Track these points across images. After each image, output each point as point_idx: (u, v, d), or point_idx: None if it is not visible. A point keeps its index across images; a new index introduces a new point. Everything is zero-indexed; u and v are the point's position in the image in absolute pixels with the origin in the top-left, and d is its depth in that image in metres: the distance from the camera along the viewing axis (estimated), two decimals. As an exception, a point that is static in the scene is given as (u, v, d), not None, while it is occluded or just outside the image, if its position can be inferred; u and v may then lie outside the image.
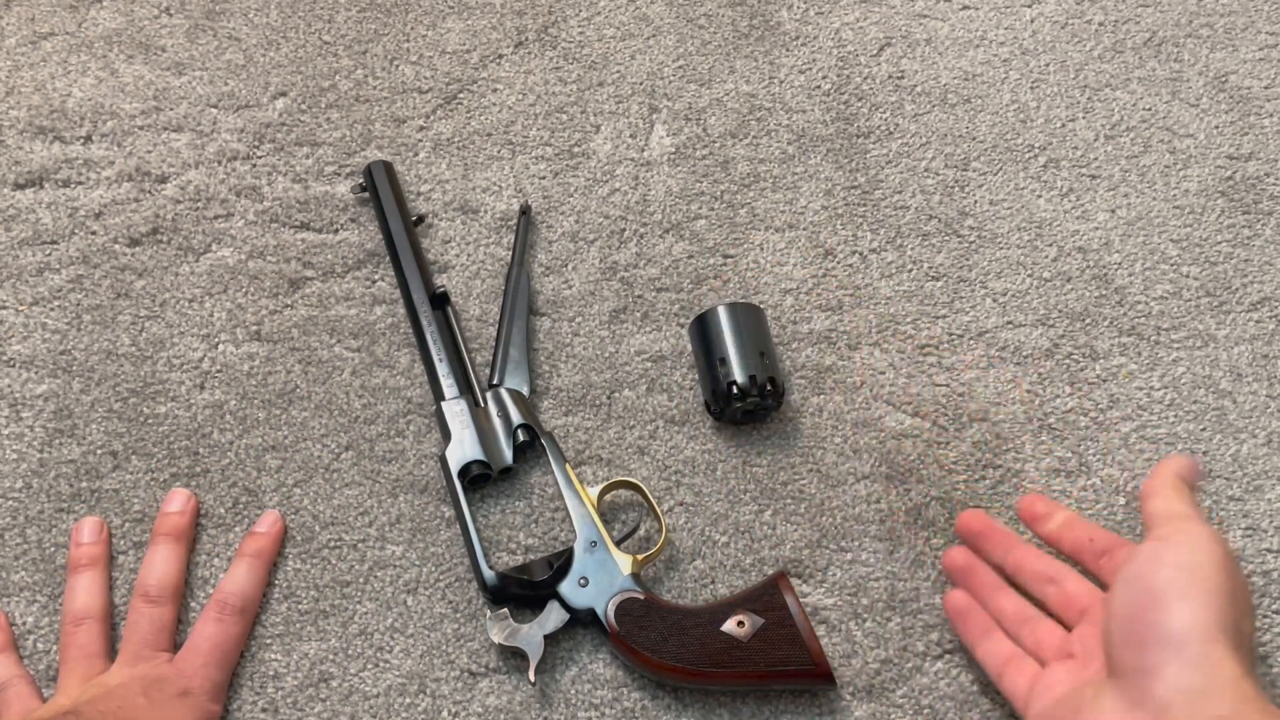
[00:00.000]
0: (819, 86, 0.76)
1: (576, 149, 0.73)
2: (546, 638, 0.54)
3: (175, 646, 0.56)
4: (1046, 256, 0.68)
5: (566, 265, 0.69)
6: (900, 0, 0.80)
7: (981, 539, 0.56)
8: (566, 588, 0.55)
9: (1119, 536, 0.52)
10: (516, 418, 0.61)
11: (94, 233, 0.69)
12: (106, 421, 0.63)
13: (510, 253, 0.69)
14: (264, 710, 0.55)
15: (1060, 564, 0.53)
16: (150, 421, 0.63)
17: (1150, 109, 0.74)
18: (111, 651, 0.56)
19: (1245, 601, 0.44)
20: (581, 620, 0.56)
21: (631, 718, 0.54)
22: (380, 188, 0.68)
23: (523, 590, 0.56)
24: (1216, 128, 0.73)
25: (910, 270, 0.68)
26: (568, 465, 0.59)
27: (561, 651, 0.56)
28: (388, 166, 0.70)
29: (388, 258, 0.68)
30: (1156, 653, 0.42)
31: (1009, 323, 0.66)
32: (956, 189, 0.71)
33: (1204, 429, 0.62)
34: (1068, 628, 0.51)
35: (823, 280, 0.68)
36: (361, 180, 0.70)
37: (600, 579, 0.55)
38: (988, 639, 0.53)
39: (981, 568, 0.55)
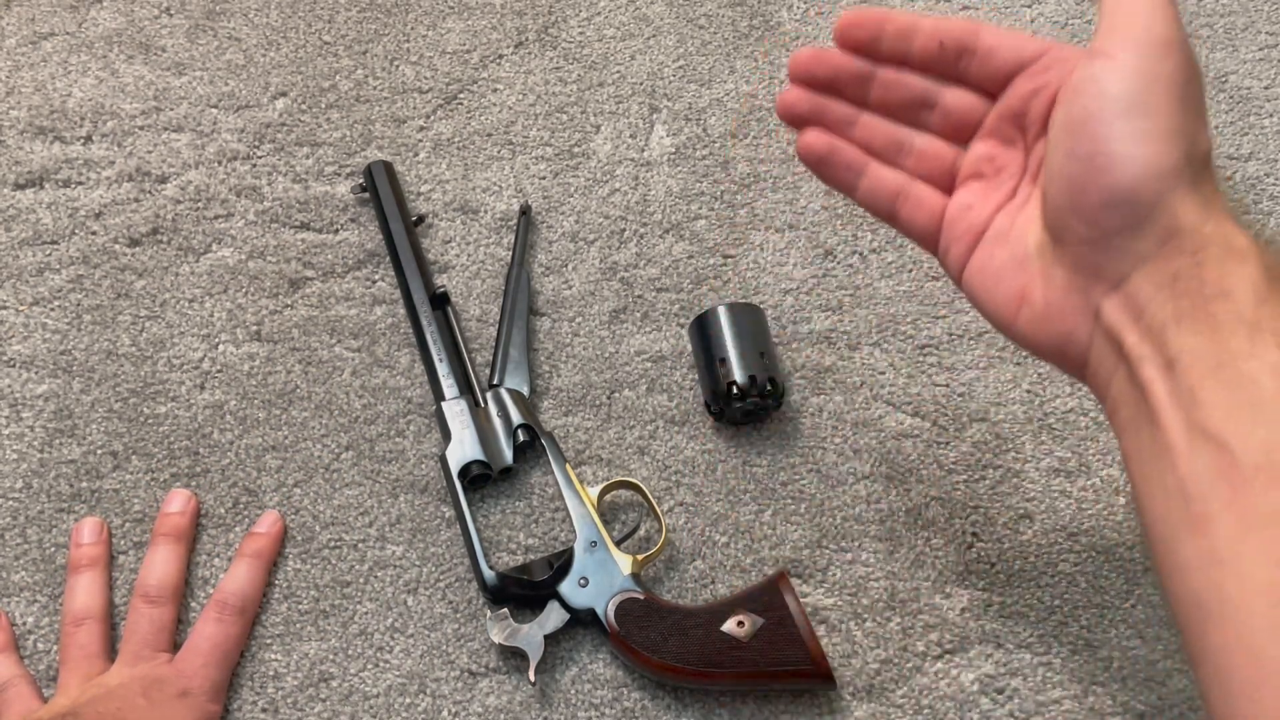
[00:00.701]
0: (819, 86, 0.76)
1: (576, 149, 0.73)
2: (546, 638, 0.54)
3: (175, 647, 0.56)
4: (1046, 256, 0.68)
5: (566, 265, 0.69)
6: (900, 0, 0.80)
7: (823, 81, 0.45)
8: (566, 588, 0.55)
9: (970, 22, 0.43)
10: (516, 418, 0.61)
11: (94, 233, 0.69)
12: (106, 421, 0.63)
13: (510, 253, 0.69)
14: (264, 710, 0.55)
15: (928, 82, 0.44)
16: (150, 421, 0.63)
17: (1150, 109, 0.74)
18: (112, 652, 0.56)
19: (1201, 104, 0.37)
20: (581, 620, 0.56)
21: (631, 718, 0.54)
22: (380, 188, 0.68)
23: (523, 590, 0.56)
24: (1216, 128, 0.73)
25: (910, 270, 0.68)
26: (568, 465, 0.59)
27: (561, 651, 0.56)
28: (388, 166, 0.70)
29: (388, 258, 0.68)
30: (1103, 221, 0.36)
31: (1009, 323, 0.66)
32: (956, 189, 0.71)
33: (1204, 429, 0.62)
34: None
35: (823, 280, 0.68)
36: (361, 180, 0.70)
37: (600, 579, 0.55)
38: (865, 175, 0.45)
39: (832, 104, 0.45)
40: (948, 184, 0.45)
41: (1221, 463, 0.32)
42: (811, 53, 0.45)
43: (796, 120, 0.46)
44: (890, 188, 0.45)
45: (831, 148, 0.45)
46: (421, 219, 0.69)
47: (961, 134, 0.44)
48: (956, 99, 0.44)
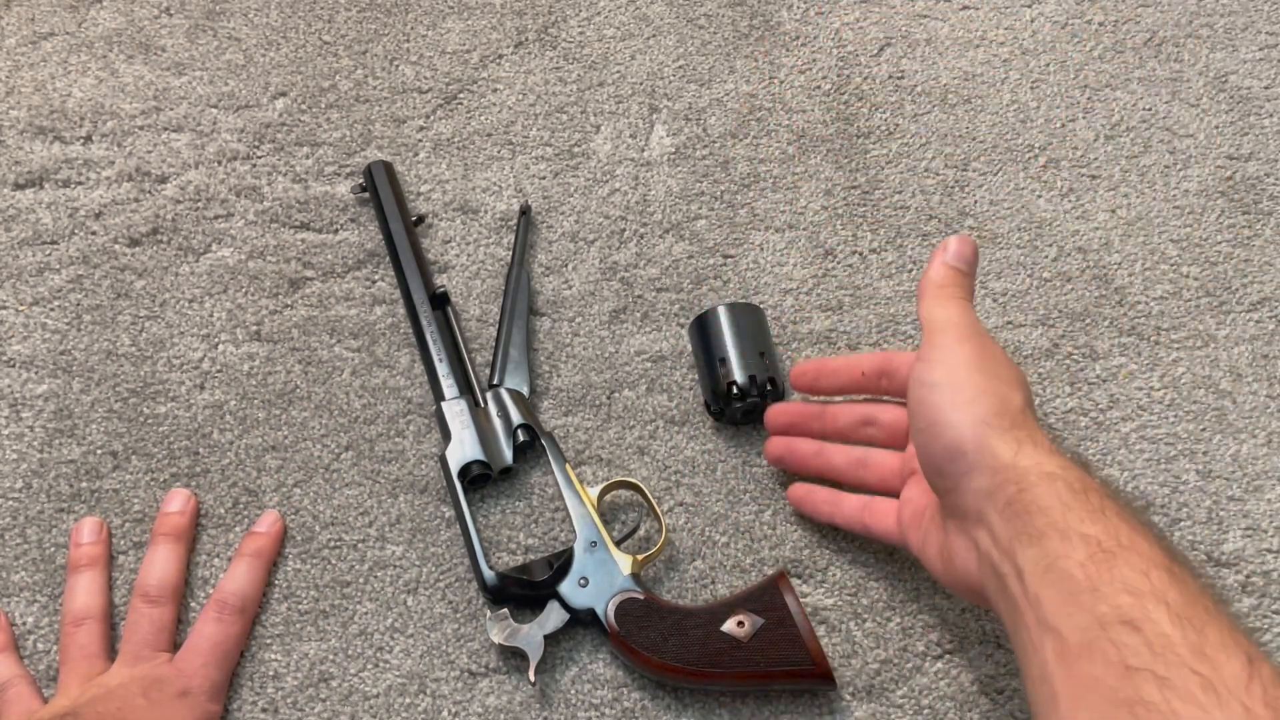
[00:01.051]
0: (819, 86, 0.76)
1: (576, 149, 0.73)
2: (546, 638, 0.54)
3: (175, 646, 0.56)
4: (1046, 256, 0.68)
5: (566, 265, 0.69)
6: (900, 0, 0.80)
7: (792, 427, 0.59)
8: (566, 588, 0.55)
9: (882, 353, 0.58)
10: (516, 418, 0.61)
11: (94, 233, 0.69)
12: (106, 421, 0.63)
13: (510, 253, 0.69)
14: (264, 710, 0.55)
15: (867, 405, 0.58)
16: (150, 421, 0.63)
17: (1150, 109, 0.74)
18: (112, 651, 0.56)
19: (1007, 373, 0.47)
20: (581, 620, 0.56)
21: (631, 718, 0.54)
22: (380, 188, 0.68)
23: (523, 590, 0.56)
24: (1216, 128, 0.73)
25: (910, 270, 0.68)
26: (568, 465, 0.59)
27: (561, 651, 0.56)
28: (388, 166, 0.70)
29: (387, 258, 0.68)
30: (951, 472, 0.46)
31: (1009, 323, 0.66)
32: (956, 189, 0.71)
33: (1204, 429, 0.62)
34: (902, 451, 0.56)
35: (823, 280, 0.68)
36: (361, 180, 0.70)
37: (600, 579, 0.55)
38: (838, 506, 0.57)
39: (800, 443, 0.59)
40: (901, 484, 0.54)
41: (1058, 646, 0.39)
42: (780, 408, 0.60)
43: (778, 461, 0.60)
44: (857, 507, 0.56)
45: (809, 491, 0.58)
46: (421, 219, 0.69)
47: (900, 440, 0.56)
48: (889, 413, 0.56)
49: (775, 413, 0.60)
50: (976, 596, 0.47)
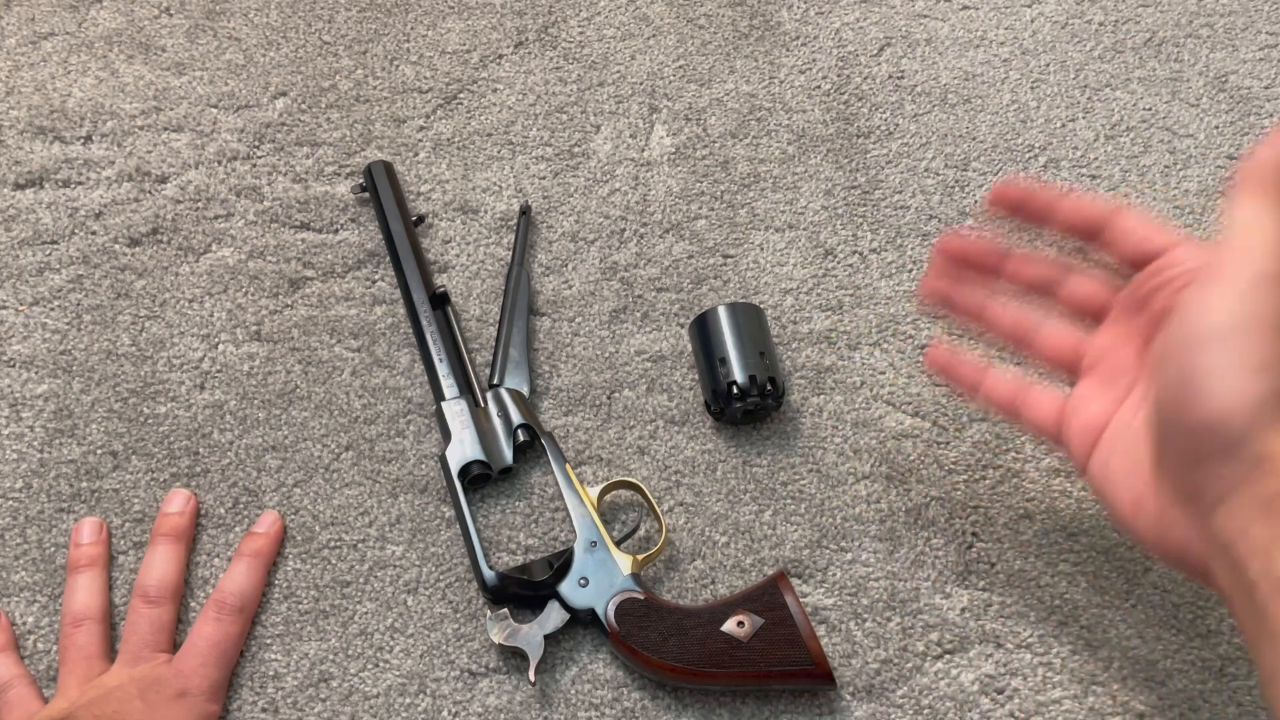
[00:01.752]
0: (819, 86, 0.76)
1: (576, 149, 0.73)
2: (546, 638, 0.54)
3: (175, 647, 0.56)
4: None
5: (566, 265, 0.69)
6: (900, 0, 0.80)
7: (965, 261, 0.51)
8: (566, 588, 0.55)
9: (1109, 205, 0.46)
10: (516, 418, 0.61)
11: (94, 233, 0.69)
12: (106, 421, 0.63)
13: (510, 253, 0.69)
14: (264, 710, 0.55)
15: (1062, 261, 0.48)
16: (150, 421, 0.63)
17: (1150, 109, 0.74)
18: (111, 652, 0.56)
19: None
20: (581, 620, 0.56)
21: (631, 717, 0.54)
22: (380, 188, 0.68)
23: (523, 590, 0.56)
24: (1216, 128, 0.73)
25: (910, 270, 0.68)
26: (568, 465, 0.59)
27: (561, 652, 0.56)
28: (388, 166, 0.70)
29: (387, 257, 0.68)
30: (1198, 447, 0.37)
31: (1009, 323, 0.66)
32: (957, 189, 0.71)
33: (1204, 429, 0.62)
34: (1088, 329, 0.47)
35: (823, 280, 0.68)
36: (361, 180, 0.70)
37: (600, 579, 0.55)
38: (987, 378, 0.49)
39: (966, 288, 0.51)
40: (1073, 371, 0.47)
41: None
42: (956, 237, 0.50)
43: (936, 298, 0.51)
44: (1007, 393, 0.49)
45: (953, 357, 0.51)
46: (421, 219, 0.69)
47: (1085, 318, 0.47)
48: (1081, 285, 0.47)
49: (950, 240, 0.50)
50: (1180, 565, 0.41)
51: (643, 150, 0.73)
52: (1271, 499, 0.35)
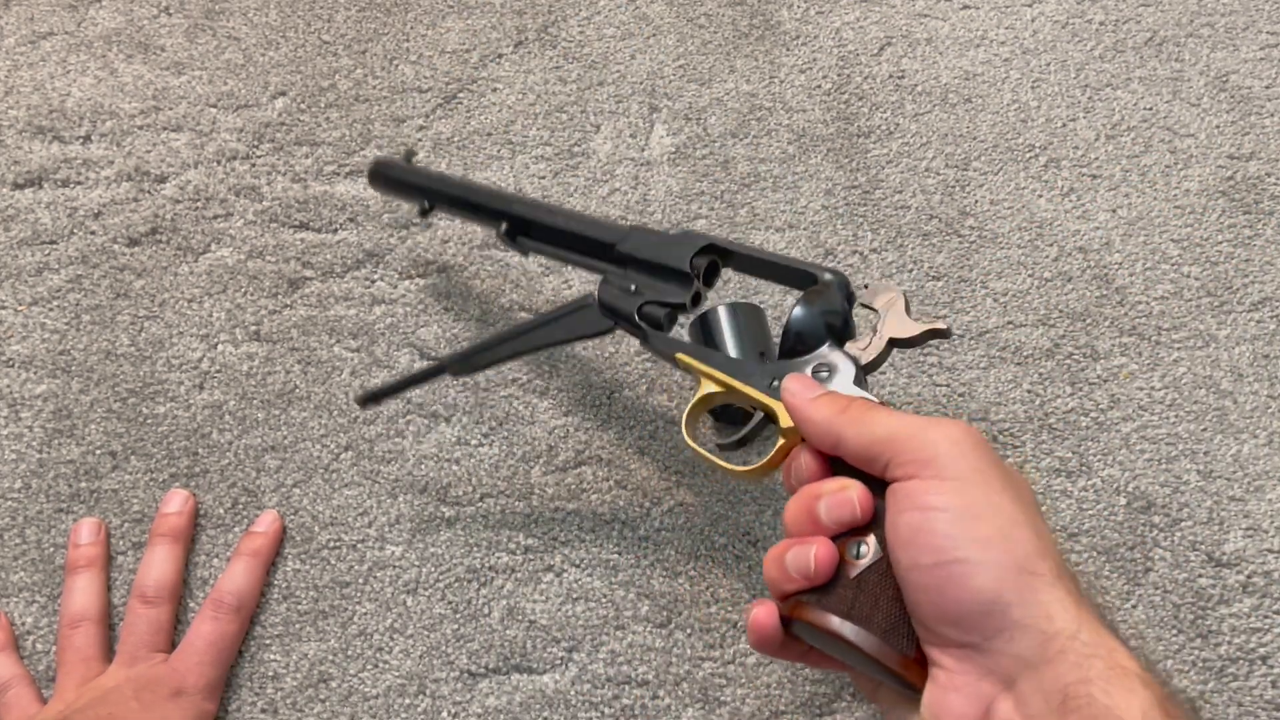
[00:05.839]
0: (819, 86, 0.76)
1: (576, 149, 0.73)
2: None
3: (173, 647, 0.55)
4: (1047, 256, 0.68)
5: (566, 265, 0.69)
6: (900, 0, 0.80)
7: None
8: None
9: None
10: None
11: (93, 233, 0.69)
12: (106, 422, 0.63)
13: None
14: (263, 711, 0.55)
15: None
16: (149, 422, 0.63)
17: (1151, 108, 0.74)
18: (109, 653, 0.56)
19: (1029, 495, 0.37)
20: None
21: (631, 716, 0.54)
22: (397, 170, 0.66)
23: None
24: (1217, 127, 0.73)
25: (911, 270, 0.68)
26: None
27: (561, 651, 0.56)
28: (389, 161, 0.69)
29: (386, 257, 0.68)
30: (980, 628, 0.34)
31: (1009, 323, 0.66)
32: (957, 189, 0.71)
33: (1205, 429, 0.62)
34: None
35: (823, 280, 0.68)
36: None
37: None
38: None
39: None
40: None
41: None
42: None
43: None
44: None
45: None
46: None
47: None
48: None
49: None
50: None
51: (643, 150, 0.73)
52: (1068, 696, 0.32)
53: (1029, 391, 0.63)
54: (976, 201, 0.71)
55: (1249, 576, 0.57)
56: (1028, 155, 0.72)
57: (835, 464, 0.41)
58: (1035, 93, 0.75)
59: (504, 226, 0.58)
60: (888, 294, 0.46)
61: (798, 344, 0.46)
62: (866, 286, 0.49)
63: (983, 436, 0.38)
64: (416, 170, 0.66)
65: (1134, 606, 0.56)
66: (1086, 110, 0.74)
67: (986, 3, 0.80)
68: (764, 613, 0.40)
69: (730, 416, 0.59)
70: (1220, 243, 0.68)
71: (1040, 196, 0.71)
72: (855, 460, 0.39)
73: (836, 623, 0.37)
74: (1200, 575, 0.58)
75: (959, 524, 0.35)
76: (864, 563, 0.38)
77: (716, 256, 0.51)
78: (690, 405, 0.49)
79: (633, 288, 0.52)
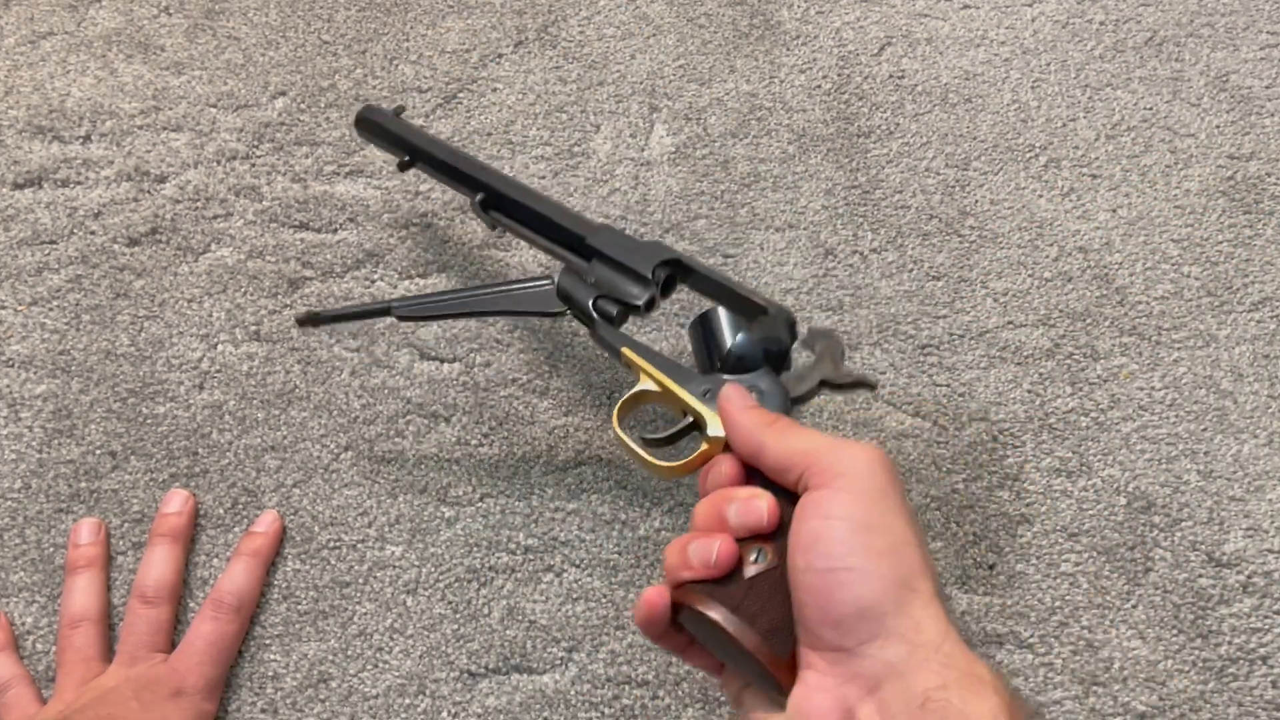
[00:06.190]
0: (819, 86, 0.76)
1: (576, 149, 0.73)
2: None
3: (173, 647, 0.55)
4: (1047, 256, 0.68)
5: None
6: (900, 0, 0.80)
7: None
8: None
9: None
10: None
11: (93, 233, 0.69)
12: (105, 422, 0.63)
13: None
14: (263, 711, 0.55)
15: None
16: (149, 422, 0.63)
17: (1151, 108, 0.74)
18: (109, 653, 0.56)
19: (917, 519, 0.40)
20: None
21: (631, 716, 0.54)
22: (384, 122, 0.65)
23: None
24: (1218, 127, 0.73)
25: (911, 270, 0.68)
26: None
27: (561, 651, 0.56)
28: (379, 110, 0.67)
29: (390, 255, 0.68)
30: (854, 630, 0.37)
31: (1010, 323, 0.66)
32: (957, 188, 0.71)
33: (1205, 429, 0.62)
34: None
35: (823, 280, 0.68)
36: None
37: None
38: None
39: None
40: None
41: None
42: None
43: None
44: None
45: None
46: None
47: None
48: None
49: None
50: None
51: (643, 150, 0.73)
52: (927, 699, 0.35)
53: (1029, 391, 0.63)
54: (976, 201, 0.71)
55: (1249, 576, 0.57)
56: (1028, 155, 0.72)
57: (751, 476, 0.44)
58: (1035, 93, 0.75)
59: (480, 197, 0.59)
60: (827, 340, 0.52)
61: (738, 364, 0.50)
62: (809, 329, 0.54)
63: (891, 462, 0.41)
64: (403, 124, 0.65)
65: (1134, 606, 0.56)
66: (1086, 110, 0.74)
67: (986, 3, 0.80)
68: (656, 593, 0.42)
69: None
70: (1220, 243, 0.68)
71: (1040, 196, 0.71)
72: (772, 469, 0.42)
73: (722, 615, 0.40)
74: (1200, 575, 0.58)
75: (856, 535, 0.38)
76: (759, 567, 0.41)
77: (677, 271, 0.54)
78: (624, 398, 0.52)
79: (591, 280, 0.54)
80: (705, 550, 0.41)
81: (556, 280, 0.55)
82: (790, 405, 0.49)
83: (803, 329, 0.52)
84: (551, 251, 0.57)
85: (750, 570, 0.41)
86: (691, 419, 0.50)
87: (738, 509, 0.42)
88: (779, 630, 0.40)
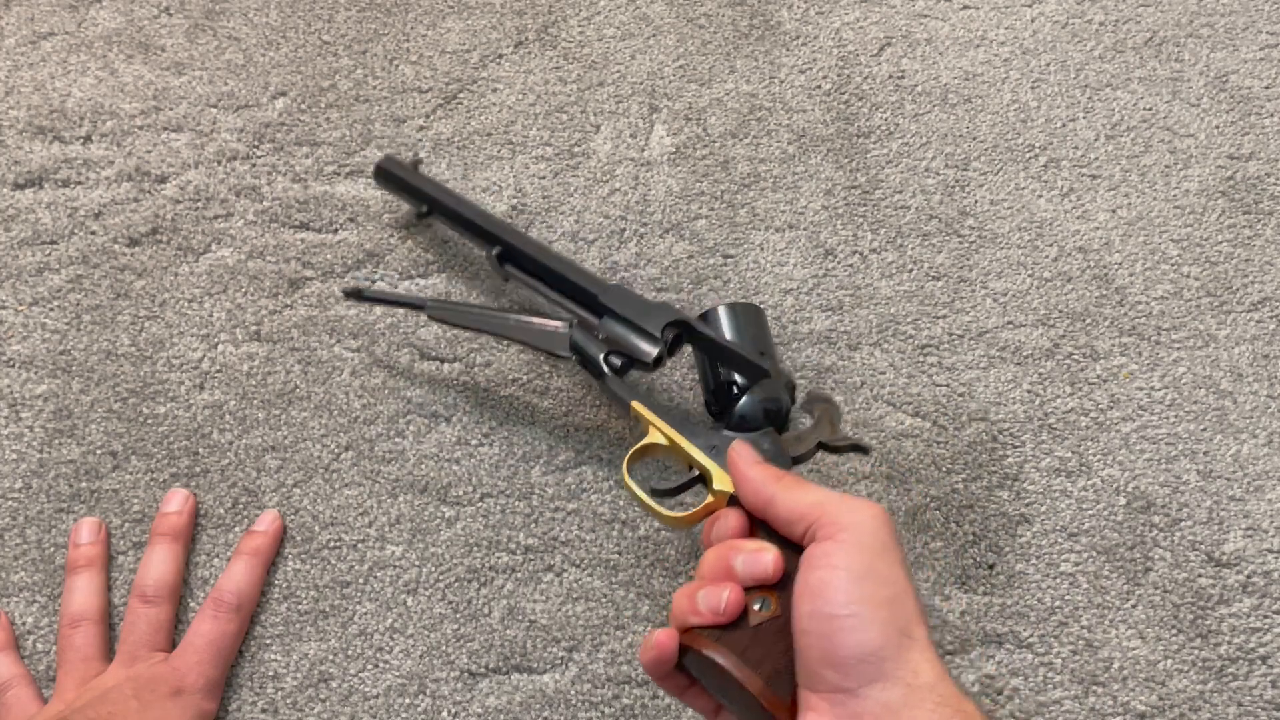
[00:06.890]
0: (819, 86, 0.76)
1: (576, 149, 0.73)
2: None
3: (173, 646, 0.55)
4: (1047, 256, 0.68)
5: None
6: (900, 0, 0.80)
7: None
8: None
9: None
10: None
11: (93, 233, 0.69)
12: (106, 422, 0.63)
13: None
14: (263, 710, 0.55)
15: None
16: (150, 421, 0.63)
17: (1151, 109, 0.74)
18: (110, 652, 0.56)
19: (908, 566, 0.44)
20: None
21: (631, 716, 0.54)
22: (403, 173, 0.68)
23: None
24: (1217, 127, 0.73)
25: (911, 270, 0.68)
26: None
27: (561, 651, 0.56)
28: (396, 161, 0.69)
29: (388, 254, 0.68)
30: (855, 673, 0.40)
31: (1009, 323, 0.66)
32: (957, 189, 0.71)
33: (1205, 429, 0.62)
34: None
35: (823, 280, 0.68)
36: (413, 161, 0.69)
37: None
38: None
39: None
40: None
41: None
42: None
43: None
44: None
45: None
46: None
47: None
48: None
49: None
50: None
51: (643, 150, 0.73)
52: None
53: (1029, 391, 0.63)
54: (976, 201, 0.71)
55: (1249, 576, 0.57)
56: (1028, 155, 0.72)
57: (754, 529, 0.47)
58: (1035, 93, 0.75)
59: (496, 250, 0.63)
60: (825, 404, 0.55)
61: (741, 423, 0.53)
62: (808, 393, 0.57)
63: (891, 519, 0.44)
64: (422, 176, 0.68)
65: (1134, 606, 0.56)
66: (1086, 110, 0.74)
67: (986, 3, 0.80)
68: (666, 636, 0.45)
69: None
70: (1220, 243, 0.68)
71: (1040, 196, 0.71)
72: (781, 521, 0.45)
73: (729, 659, 0.43)
74: (1200, 575, 0.58)
75: (860, 584, 0.41)
76: (765, 615, 0.43)
77: (684, 332, 0.56)
78: (634, 449, 0.54)
79: (601, 336, 0.57)
80: (714, 598, 0.44)
81: (569, 331, 0.58)
82: (790, 464, 0.51)
83: (801, 394, 0.56)
84: (563, 306, 0.60)
85: (755, 618, 0.43)
86: (698, 472, 0.52)
87: (744, 560, 0.44)
88: (781, 674, 0.42)
